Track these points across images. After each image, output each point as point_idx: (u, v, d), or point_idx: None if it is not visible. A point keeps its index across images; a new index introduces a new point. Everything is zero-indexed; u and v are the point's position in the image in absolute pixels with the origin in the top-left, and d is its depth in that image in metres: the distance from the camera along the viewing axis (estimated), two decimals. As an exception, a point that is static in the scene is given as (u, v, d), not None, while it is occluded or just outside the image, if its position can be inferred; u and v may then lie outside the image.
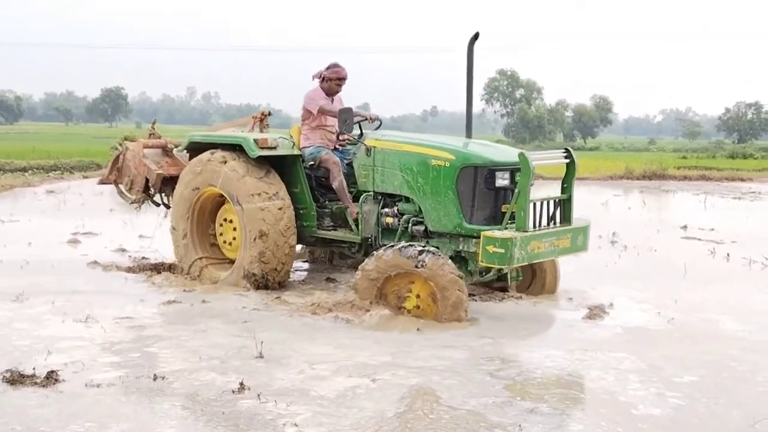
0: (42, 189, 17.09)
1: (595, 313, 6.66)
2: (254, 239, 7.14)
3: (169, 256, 8.87)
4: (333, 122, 7.59)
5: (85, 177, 20.79)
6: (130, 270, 8.23)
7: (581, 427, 4.19)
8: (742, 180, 25.56)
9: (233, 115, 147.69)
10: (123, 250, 9.51)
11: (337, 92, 7.78)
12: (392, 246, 6.32)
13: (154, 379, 4.76)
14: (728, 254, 9.97)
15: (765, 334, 6.25)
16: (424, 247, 6.20)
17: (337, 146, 7.72)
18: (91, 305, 6.61)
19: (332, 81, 7.66)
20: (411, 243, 6.30)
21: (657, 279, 8.34)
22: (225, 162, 7.32)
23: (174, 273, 8.04)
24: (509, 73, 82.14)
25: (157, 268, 8.24)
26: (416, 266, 6.08)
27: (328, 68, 7.67)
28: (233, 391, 4.54)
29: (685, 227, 12.69)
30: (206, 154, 7.55)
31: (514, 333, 6.09)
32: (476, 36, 7.10)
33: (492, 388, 4.75)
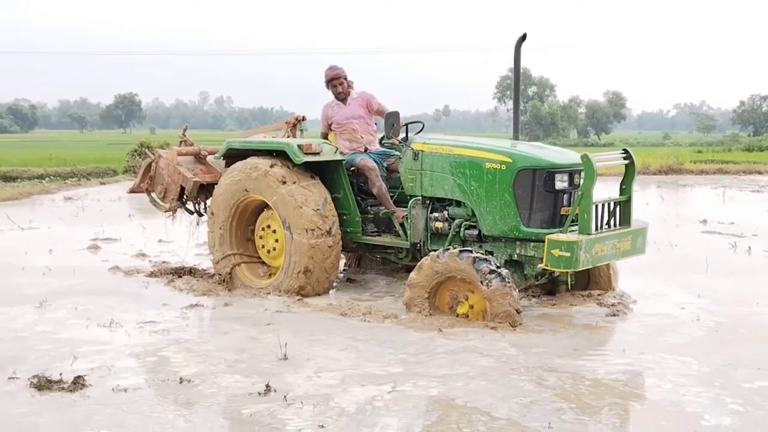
0: (60, 196, 17.18)
1: (622, 310, 6.61)
2: (298, 273, 7.06)
3: (189, 260, 8.91)
4: (357, 127, 7.61)
5: (102, 183, 20.89)
6: (151, 274, 8.24)
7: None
8: (760, 173, 25.36)
9: (246, 119, 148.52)
10: (143, 255, 9.54)
11: (341, 93, 7.76)
12: (468, 252, 6.14)
13: (180, 382, 4.76)
14: (749, 247, 9.90)
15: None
16: (498, 267, 6.04)
17: (368, 149, 7.67)
18: (114, 310, 6.64)
19: (329, 85, 7.74)
20: (486, 257, 6.10)
21: (681, 273, 8.28)
22: (284, 183, 7.07)
23: (195, 276, 8.05)
24: (521, 71, 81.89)
25: (178, 272, 8.25)
26: (481, 282, 6.01)
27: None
28: (259, 393, 4.54)
29: (704, 221, 12.60)
30: (264, 165, 7.22)
31: (550, 336, 5.92)
32: (524, 37, 6.97)
33: (539, 396, 4.57)
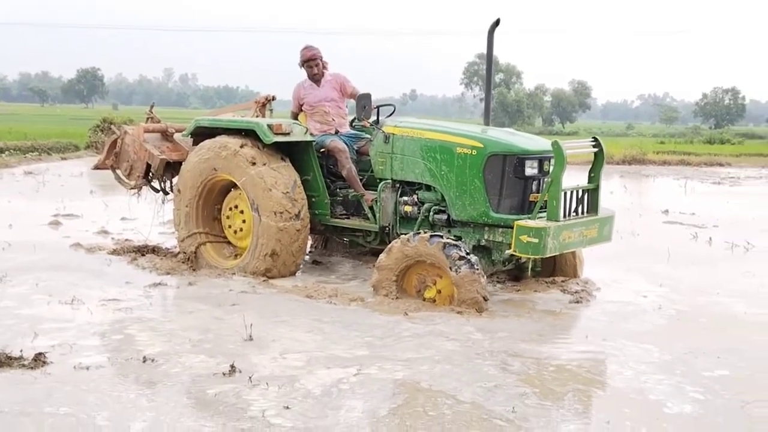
0: (20, 170, 16.87)
1: (586, 297, 6.69)
2: (264, 255, 7.00)
3: (152, 238, 8.81)
4: (329, 110, 7.57)
5: (64, 158, 20.57)
6: (113, 252, 8.13)
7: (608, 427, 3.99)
8: (721, 165, 25.78)
9: (210, 97, 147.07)
10: (105, 232, 9.42)
11: (316, 74, 7.70)
12: (439, 237, 6.11)
13: (144, 362, 4.71)
14: (710, 238, 10.05)
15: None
16: (468, 254, 6.02)
17: (339, 131, 7.62)
18: (76, 287, 6.54)
19: (304, 66, 7.69)
20: (456, 243, 6.08)
21: (643, 262, 8.39)
22: (254, 164, 6.99)
23: (158, 255, 7.96)
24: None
25: (141, 250, 8.13)
26: (451, 268, 6.00)
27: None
28: (224, 374, 4.51)
29: (666, 212, 12.77)
30: (234, 145, 7.12)
31: (515, 321, 5.95)
32: (497, 22, 6.94)
33: (503, 380, 4.58)
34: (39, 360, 4.61)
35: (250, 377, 4.45)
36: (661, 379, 4.71)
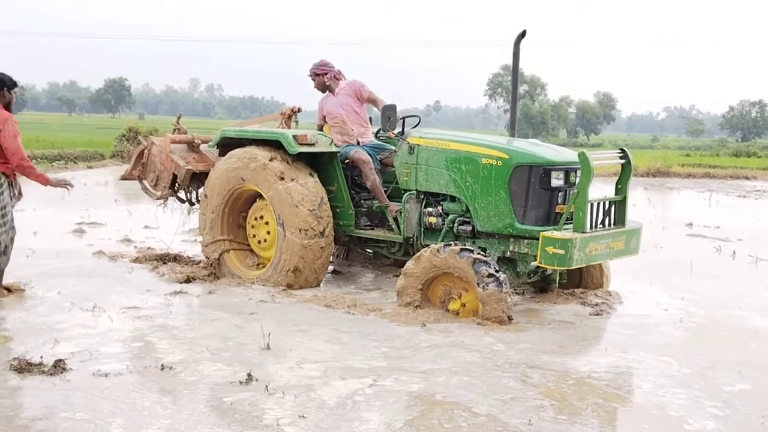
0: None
1: (606, 310, 6.64)
2: (287, 271, 7.01)
3: (175, 247, 8.87)
4: (345, 117, 7.58)
5: (89, 167, 20.78)
6: (135, 260, 8.20)
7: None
8: (747, 178, 25.56)
9: (236, 108, 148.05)
10: (128, 240, 9.50)
11: (317, 86, 7.78)
12: (469, 252, 6.05)
13: (162, 369, 4.74)
14: (734, 252, 9.95)
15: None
16: (497, 272, 5.97)
17: (360, 141, 7.63)
18: (98, 295, 6.60)
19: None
20: (486, 259, 6.02)
21: (666, 275, 8.32)
22: (282, 179, 6.99)
23: (180, 263, 8.02)
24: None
25: (163, 258, 8.21)
26: (478, 284, 5.95)
27: None
28: (241, 382, 4.53)
29: (690, 225, 12.67)
30: (264, 158, 7.11)
31: (534, 333, 5.91)
32: (523, 34, 6.92)
33: (522, 393, 4.56)
34: (59, 366, 4.65)
35: (266, 386, 4.46)
36: (680, 393, 4.65)
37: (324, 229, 7.06)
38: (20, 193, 6.75)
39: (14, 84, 6.55)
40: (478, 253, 6.09)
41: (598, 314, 6.51)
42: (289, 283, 7.02)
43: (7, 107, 6.45)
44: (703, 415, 4.31)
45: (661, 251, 9.93)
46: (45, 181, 6.56)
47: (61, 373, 4.60)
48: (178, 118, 8.81)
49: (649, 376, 4.96)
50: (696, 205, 16.45)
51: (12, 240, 6.47)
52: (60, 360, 4.72)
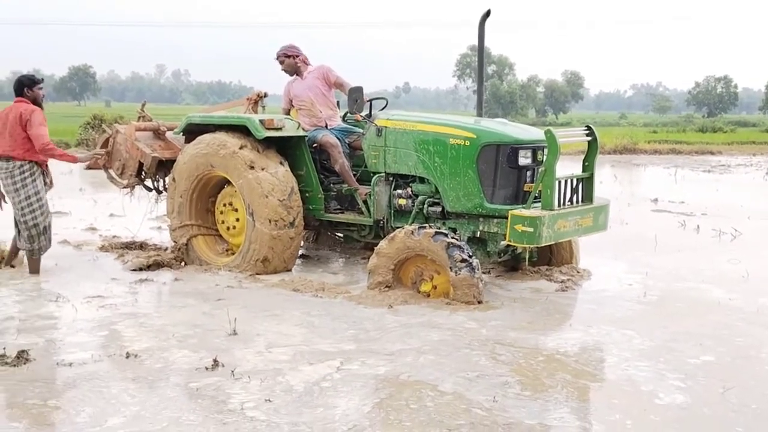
0: (10, 168, 16.78)
1: (572, 286, 6.71)
2: (256, 261, 6.97)
3: (140, 234, 8.79)
4: (314, 100, 7.55)
5: (54, 156, 20.46)
6: (101, 249, 8.12)
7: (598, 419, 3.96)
8: (712, 153, 25.89)
9: (203, 93, 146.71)
10: (93, 229, 9.41)
11: (284, 69, 7.74)
12: (444, 235, 6.03)
13: (127, 357, 4.71)
14: (698, 226, 10.09)
15: (753, 302, 6.31)
16: (470, 257, 5.98)
17: (328, 124, 7.59)
18: (62, 284, 6.55)
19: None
20: (460, 244, 6.02)
21: (630, 250, 8.41)
22: (252, 168, 6.93)
23: (145, 251, 7.95)
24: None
25: (129, 246, 8.14)
26: (451, 268, 5.96)
27: None
28: (206, 368, 4.51)
29: (655, 200, 12.82)
30: (234, 146, 7.02)
31: (502, 311, 5.94)
32: (488, 13, 6.89)
33: (490, 371, 4.58)
34: (21, 357, 4.60)
35: (232, 371, 4.45)
36: (645, 366, 4.70)
37: (294, 219, 7.02)
38: (51, 183, 7.29)
39: (34, 82, 7.14)
40: (453, 237, 6.10)
41: (563, 290, 6.58)
42: (258, 272, 6.98)
43: (36, 103, 7.12)
44: (671, 388, 4.36)
45: (627, 227, 10.03)
46: (73, 160, 7.43)
47: (24, 363, 4.55)
48: (143, 105, 8.71)
49: (614, 350, 5.02)
50: (662, 181, 16.63)
51: (50, 224, 7.01)
52: (23, 351, 4.66)
